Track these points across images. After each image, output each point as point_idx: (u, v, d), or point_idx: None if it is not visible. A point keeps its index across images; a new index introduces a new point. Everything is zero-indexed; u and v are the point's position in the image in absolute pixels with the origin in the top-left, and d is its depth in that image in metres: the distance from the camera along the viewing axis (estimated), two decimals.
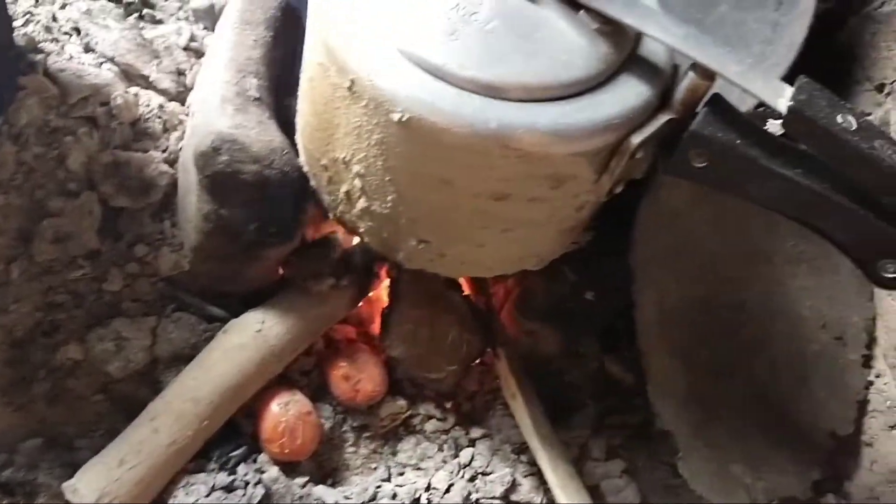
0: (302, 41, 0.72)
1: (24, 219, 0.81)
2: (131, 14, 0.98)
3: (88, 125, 0.84)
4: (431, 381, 0.92)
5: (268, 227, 0.80)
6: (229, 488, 0.79)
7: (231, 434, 0.83)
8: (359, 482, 0.88)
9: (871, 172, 0.56)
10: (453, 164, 0.63)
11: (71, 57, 0.87)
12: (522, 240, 0.74)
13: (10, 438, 0.81)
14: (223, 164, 0.75)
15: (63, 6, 0.92)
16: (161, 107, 0.90)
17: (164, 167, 0.87)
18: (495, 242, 0.72)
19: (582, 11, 0.63)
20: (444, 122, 0.58)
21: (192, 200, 0.80)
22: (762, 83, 0.58)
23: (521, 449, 0.92)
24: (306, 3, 0.68)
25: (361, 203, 0.71)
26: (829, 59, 0.95)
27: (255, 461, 0.83)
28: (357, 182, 0.69)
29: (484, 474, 0.89)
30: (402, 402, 0.92)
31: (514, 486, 0.89)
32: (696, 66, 0.60)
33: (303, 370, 0.90)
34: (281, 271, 0.89)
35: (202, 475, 0.80)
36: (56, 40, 0.88)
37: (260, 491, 0.80)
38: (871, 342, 0.91)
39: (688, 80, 0.61)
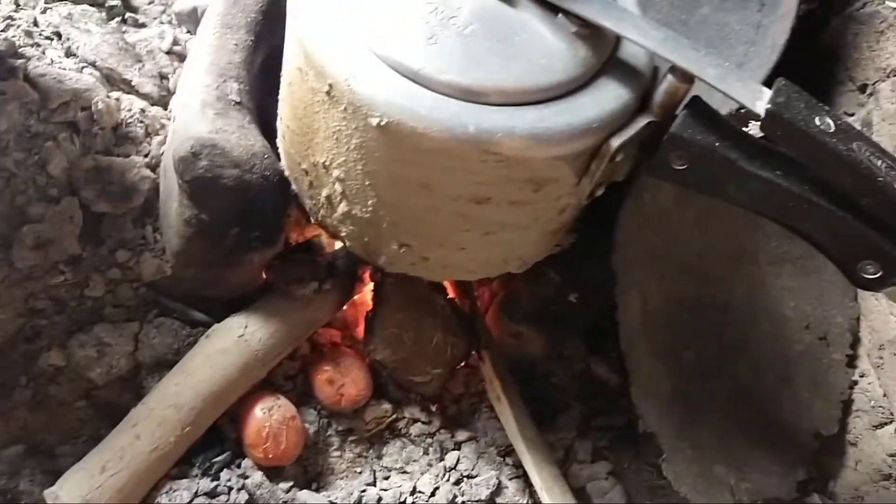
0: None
1: (5, 225, 0.80)
2: (113, 18, 0.98)
3: (69, 130, 0.83)
4: (416, 385, 0.92)
5: (249, 231, 0.79)
6: (213, 494, 0.79)
7: (214, 439, 0.83)
8: (344, 486, 0.88)
9: (850, 174, 0.56)
10: (432, 168, 0.62)
11: (52, 62, 0.86)
12: (505, 243, 0.73)
13: None
14: (203, 169, 0.74)
15: (44, 11, 0.92)
16: (143, 111, 0.89)
17: (146, 172, 0.87)
18: (477, 245, 0.72)
19: (560, 15, 0.63)
20: (422, 126, 0.58)
21: (173, 205, 0.80)
22: (740, 86, 0.58)
23: (507, 451, 0.92)
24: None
25: (342, 207, 0.71)
26: (811, 60, 0.96)
27: (238, 466, 0.83)
28: (337, 186, 0.69)
29: (469, 477, 0.89)
30: (387, 406, 0.92)
31: (499, 488, 0.89)
32: (674, 69, 0.60)
33: (287, 374, 0.90)
34: (264, 276, 0.88)
35: (185, 481, 0.80)
36: (37, 45, 0.87)
37: (244, 496, 0.80)
38: (856, 342, 0.92)
39: (667, 83, 0.61)
